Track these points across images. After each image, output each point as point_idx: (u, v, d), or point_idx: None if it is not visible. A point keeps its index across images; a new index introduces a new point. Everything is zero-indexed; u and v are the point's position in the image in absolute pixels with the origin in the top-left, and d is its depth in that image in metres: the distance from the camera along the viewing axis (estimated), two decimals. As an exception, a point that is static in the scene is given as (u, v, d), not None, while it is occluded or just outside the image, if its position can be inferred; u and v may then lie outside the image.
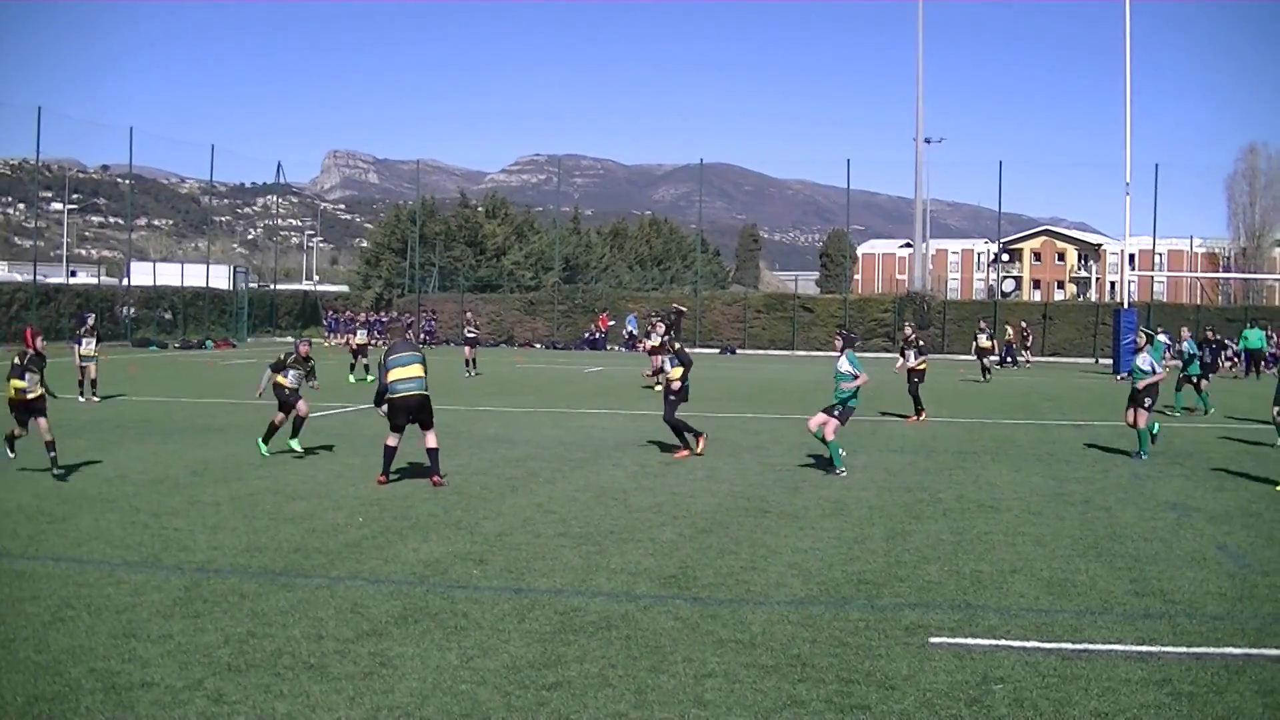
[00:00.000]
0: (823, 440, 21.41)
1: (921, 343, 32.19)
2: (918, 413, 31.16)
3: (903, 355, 32.41)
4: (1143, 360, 23.43)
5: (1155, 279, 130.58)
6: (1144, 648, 10.79)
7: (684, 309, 66.21)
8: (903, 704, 9.08)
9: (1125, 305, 69.34)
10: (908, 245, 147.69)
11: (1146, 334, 24.59)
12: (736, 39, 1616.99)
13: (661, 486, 19.14)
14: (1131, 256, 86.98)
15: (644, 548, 14.63)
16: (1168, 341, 34.03)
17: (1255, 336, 60.91)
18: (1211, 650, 10.77)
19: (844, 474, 20.84)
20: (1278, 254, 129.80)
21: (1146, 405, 23.40)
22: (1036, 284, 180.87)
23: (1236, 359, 63.43)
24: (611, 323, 79.42)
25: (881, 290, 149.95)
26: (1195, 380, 35.27)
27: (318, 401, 31.85)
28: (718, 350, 77.87)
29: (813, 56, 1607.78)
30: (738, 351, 77.92)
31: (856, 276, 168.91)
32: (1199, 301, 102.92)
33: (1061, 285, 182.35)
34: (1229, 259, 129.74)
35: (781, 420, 31.08)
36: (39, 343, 20.36)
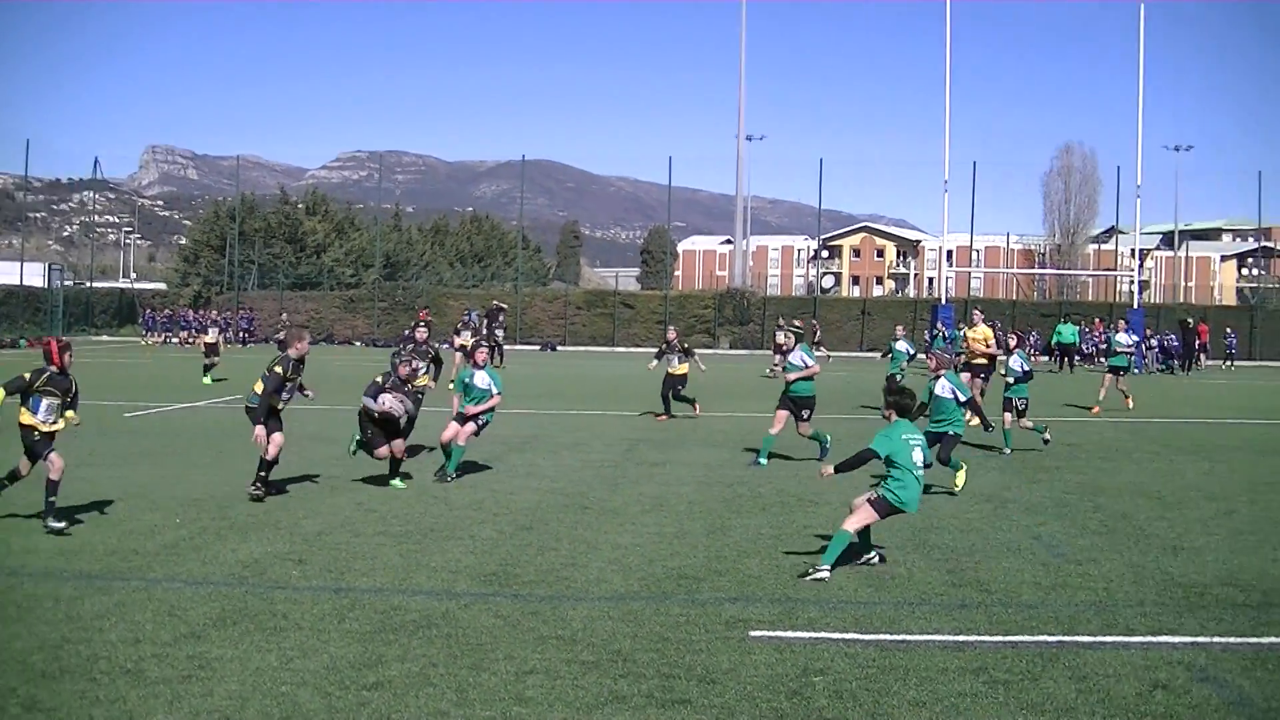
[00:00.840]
0: (812, 438, 22.39)
1: (687, 346, 31.62)
2: (668, 413, 30.45)
3: (659, 358, 31.49)
4: (795, 357, 22.50)
5: (972, 275, 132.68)
6: (961, 637, 10.98)
7: (504, 306, 66.08)
8: (724, 697, 9.15)
9: (943, 301, 70.51)
10: (728, 242, 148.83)
11: (795, 333, 24.32)
12: (558, 35, 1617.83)
13: (482, 483, 19.10)
14: (949, 253, 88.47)
15: (464, 545, 14.60)
16: (909, 350, 33.36)
17: (1069, 332, 62.06)
18: (1026, 638, 10.99)
19: (763, 465, 21.95)
20: (1091, 251, 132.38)
21: (805, 417, 22.57)
22: (856, 280, 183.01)
23: (1034, 354, 64.70)
24: (431, 319, 79.02)
25: (702, 287, 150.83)
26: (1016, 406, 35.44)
27: (137, 400, 31.42)
28: (539, 347, 77.82)
29: (635, 53, 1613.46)
30: (558, 348, 77.93)
31: (677, 273, 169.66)
32: (1015, 297, 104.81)
33: (880, 281, 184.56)
34: (1044, 255, 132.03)
35: (601, 417, 31.13)
36: (67, 358, 15.62)
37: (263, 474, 17.60)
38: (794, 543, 15.12)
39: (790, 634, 10.95)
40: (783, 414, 22.08)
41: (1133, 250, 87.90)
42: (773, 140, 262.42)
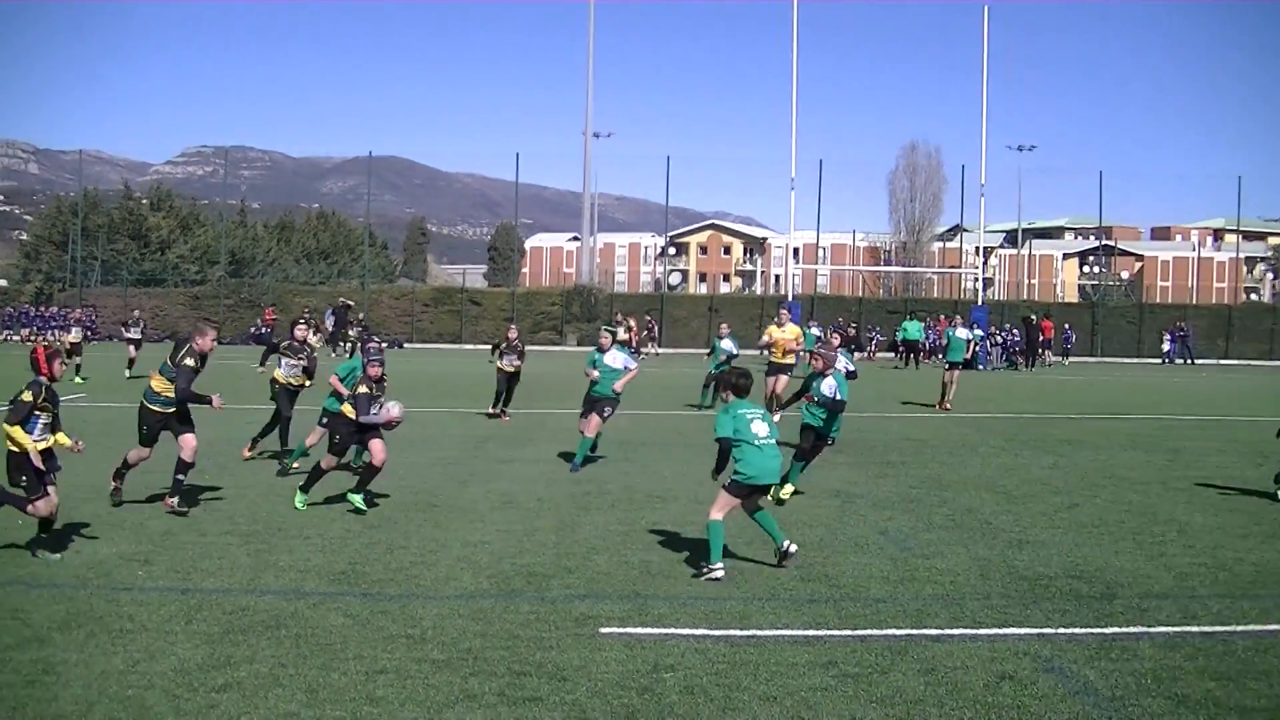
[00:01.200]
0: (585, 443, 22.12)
1: (520, 345, 31.45)
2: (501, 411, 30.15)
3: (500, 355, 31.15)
4: (611, 358, 22.55)
5: (819, 272, 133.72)
6: (810, 631, 11.09)
7: (351, 303, 65.70)
8: (574, 694, 9.17)
9: (790, 298, 71.01)
10: (576, 239, 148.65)
11: (611, 333, 24.32)
12: (406, 30, 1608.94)
13: (329, 482, 18.95)
14: (796, 250, 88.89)
15: (313, 544, 14.49)
16: (732, 349, 33.22)
17: (914, 328, 62.91)
18: (875, 632, 11.12)
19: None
20: (936, 248, 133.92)
21: (605, 415, 22.21)
22: (703, 277, 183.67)
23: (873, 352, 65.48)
24: (276, 317, 78.39)
25: (549, 283, 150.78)
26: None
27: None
28: (385, 344, 77.20)
29: (483, 49, 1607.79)
30: (405, 345, 77.53)
31: (525, 270, 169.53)
32: (861, 294, 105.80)
33: (727, 278, 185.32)
34: (890, 253, 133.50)
35: (450, 414, 31.01)
36: (58, 367, 14.09)
37: (180, 477, 16.68)
38: (643, 539, 15.19)
39: (640, 630, 10.98)
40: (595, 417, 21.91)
41: (977, 248, 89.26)
42: (620, 137, 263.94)
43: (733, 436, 13.55)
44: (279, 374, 22.26)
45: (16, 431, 13.31)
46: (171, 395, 16.59)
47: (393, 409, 17.69)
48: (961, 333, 38.62)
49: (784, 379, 30.07)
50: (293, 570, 13.12)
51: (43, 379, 13.66)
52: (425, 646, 10.32)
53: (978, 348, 53.38)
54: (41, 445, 13.50)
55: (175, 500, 16.51)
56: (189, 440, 16.68)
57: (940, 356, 51.89)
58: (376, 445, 17.28)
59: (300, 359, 22.15)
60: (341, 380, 19.12)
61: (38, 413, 13.52)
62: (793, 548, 13.73)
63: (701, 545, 13.79)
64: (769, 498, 17.20)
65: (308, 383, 22.45)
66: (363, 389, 17.32)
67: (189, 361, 16.58)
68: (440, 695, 9.11)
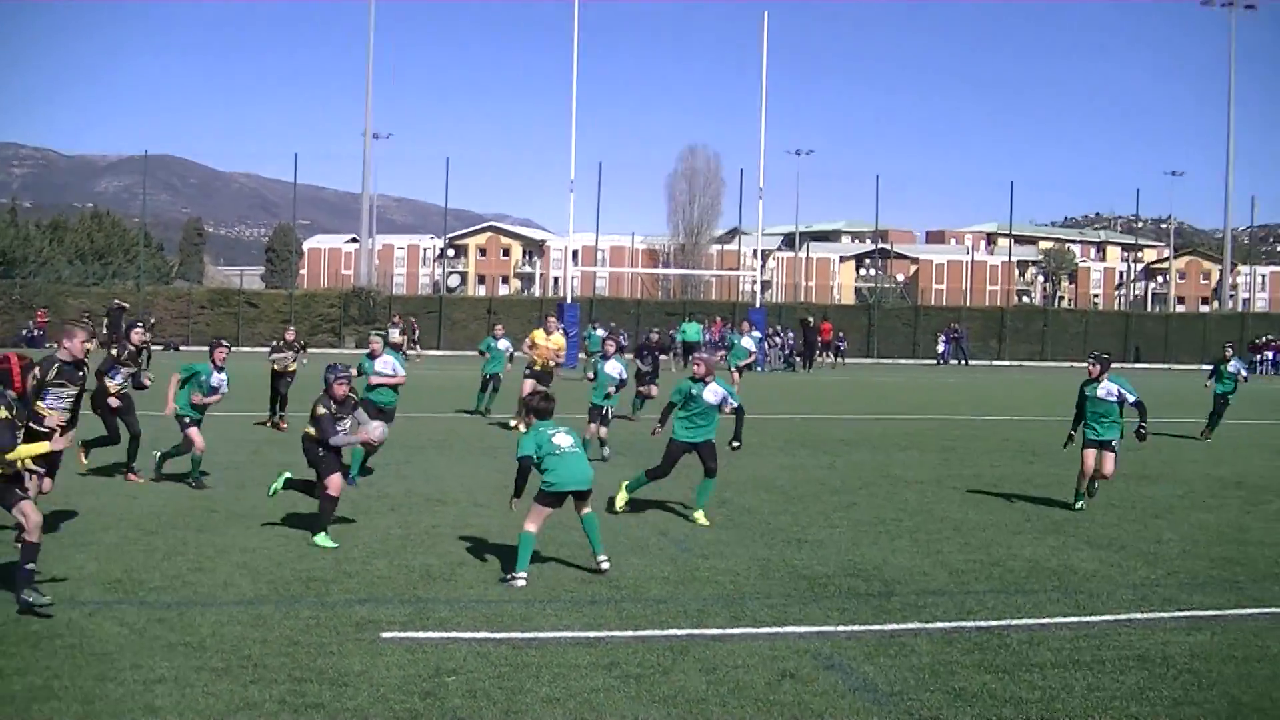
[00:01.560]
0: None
1: (305, 345, 31.01)
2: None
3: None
4: (382, 364, 22.02)
5: (598, 274, 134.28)
6: (592, 633, 11.14)
7: (125, 305, 64.52)
8: (356, 700, 9.11)
9: (569, 300, 71.14)
10: (354, 241, 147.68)
11: (381, 337, 23.77)
12: (181, 24, 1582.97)
13: (105, 489, 18.61)
14: (575, 252, 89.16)
15: (87, 552, 14.18)
16: (509, 349, 33.03)
17: (692, 330, 63.30)
18: (656, 632, 11.20)
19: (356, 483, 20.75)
20: (715, 251, 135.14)
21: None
22: (482, 279, 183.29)
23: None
24: (47, 320, 76.70)
25: (328, 285, 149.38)
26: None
27: None
28: (161, 347, 76.11)
29: (260, 47, 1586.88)
30: (182, 348, 76.28)
31: (303, 271, 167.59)
32: (640, 296, 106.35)
33: (506, 280, 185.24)
34: (669, 255, 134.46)
35: (225, 418, 30.57)
36: (30, 381, 13.37)
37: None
38: (422, 543, 15.14)
39: (421, 634, 10.96)
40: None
41: (755, 251, 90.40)
42: (400, 138, 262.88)
43: (535, 454, 13.55)
44: (110, 385, 19.84)
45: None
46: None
47: (373, 431, 16.30)
48: (748, 341, 38.98)
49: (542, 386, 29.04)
50: (67, 579, 12.83)
51: (11, 393, 12.10)
52: (204, 654, 10.17)
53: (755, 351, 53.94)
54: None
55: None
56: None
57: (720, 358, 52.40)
58: (334, 480, 15.64)
59: (135, 368, 20.49)
60: (184, 382, 18.80)
61: (18, 428, 11.86)
62: (605, 565, 13.74)
63: (485, 547, 13.85)
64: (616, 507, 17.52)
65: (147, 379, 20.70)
66: (322, 409, 15.89)
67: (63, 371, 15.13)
68: (220, 704, 8.99)
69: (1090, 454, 18.98)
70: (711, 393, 17.67)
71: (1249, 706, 9.64)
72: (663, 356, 36.21)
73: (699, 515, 17.41)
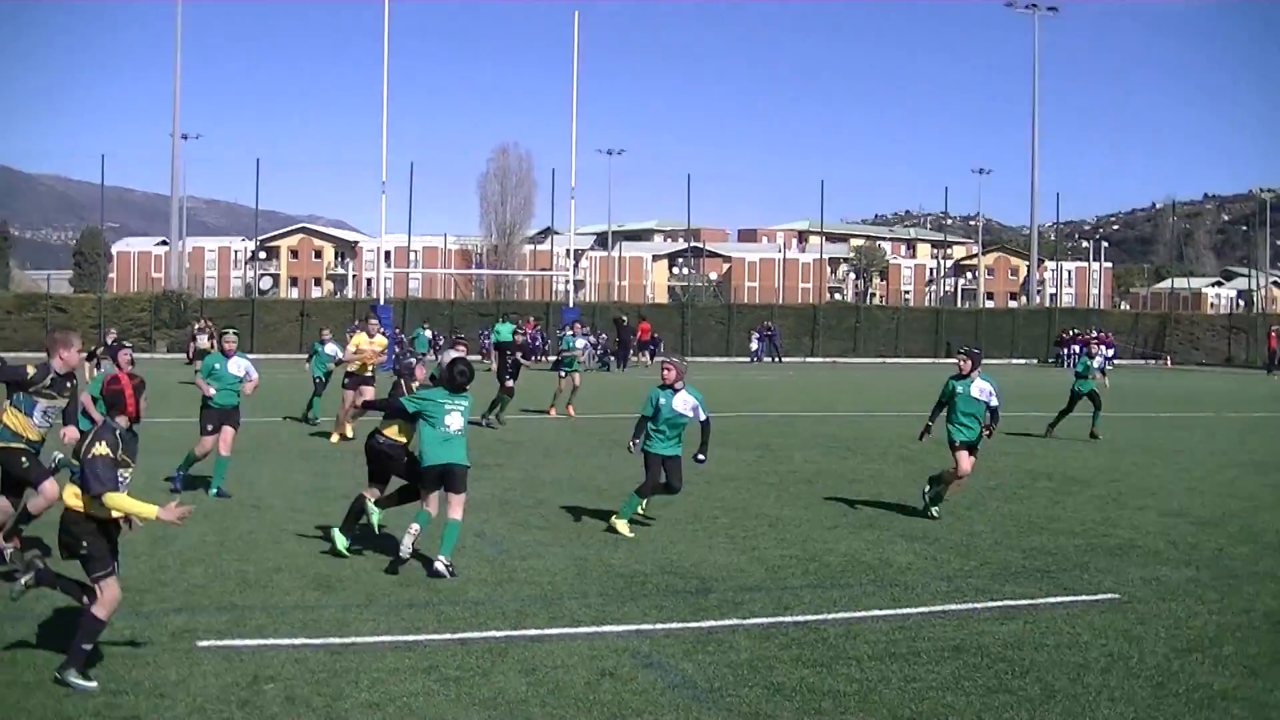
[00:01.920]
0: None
1: (118, 347, 30.72)
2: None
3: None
4: (235, 365, 21.55)
5: (411, 275, 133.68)
6: (410, 637, 11.11)
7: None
8: (174, 710, 9.01)
9: (382, 301, 70.70)
10: (164, 243, 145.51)
11: (236, 335, 23.70)
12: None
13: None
14: (387, 254, 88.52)
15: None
16: (335, 353, 32.78)
17: (505, 330, 63.09)
18: (475, 635, 11.21)
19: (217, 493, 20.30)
20: (528, 251, 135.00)
21: (237, 425, 20.73)
22: (294, 281, 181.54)
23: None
24: None
25: (138, 289, 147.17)
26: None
27: None
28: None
29: (66, 44, 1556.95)
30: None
31: (112, 275, 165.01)
32: (453, 297, 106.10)
33: (319, 282, 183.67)
34: (482, 255, 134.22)
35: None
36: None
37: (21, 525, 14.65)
38: (238, 549, 14.98)
39: (238, 642, 10.85)
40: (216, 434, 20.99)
41: (568, 250, 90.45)
42: (209, 139, 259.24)
43: (421, 412, 13.91)
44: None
45: None
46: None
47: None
48: (580, 342, 39.03)
49: (369, 390, 27.77)
50: None
51: None
52: (15, 669, 9.98)
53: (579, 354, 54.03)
54: None
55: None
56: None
57: (538, 358, 52.42)
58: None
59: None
60: (96, 401, 17.09)
61: None
62: (439, 568, 13.62)
63: (301, 552, 13.74)
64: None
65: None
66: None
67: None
68: (34, 719, 8.84)
69: (964, 456, 18.16)
70: (682, 402, 17.13)
71: (1062, 693, 9.85)
72: (524, 361, 36.10)
73: (621, 524, 16.73)
